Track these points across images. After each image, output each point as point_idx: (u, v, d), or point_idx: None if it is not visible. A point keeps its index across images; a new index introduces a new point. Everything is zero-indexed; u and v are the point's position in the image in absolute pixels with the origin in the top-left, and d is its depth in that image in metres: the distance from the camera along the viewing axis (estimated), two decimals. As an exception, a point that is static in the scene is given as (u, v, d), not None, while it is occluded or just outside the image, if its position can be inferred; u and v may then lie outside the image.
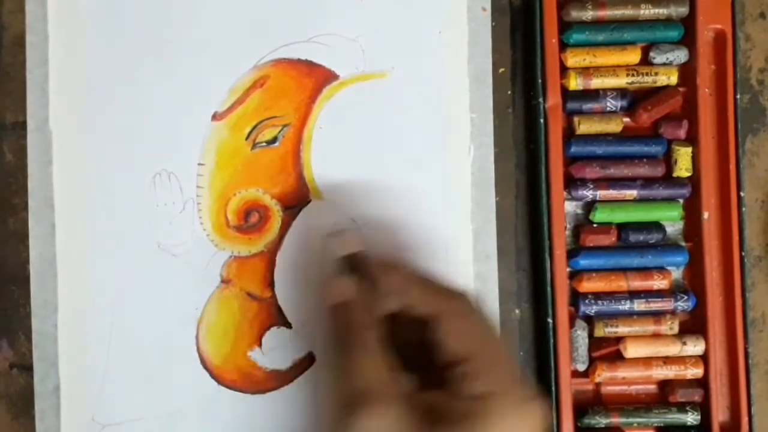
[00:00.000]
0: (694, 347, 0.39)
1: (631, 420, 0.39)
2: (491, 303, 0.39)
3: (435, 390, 0.30)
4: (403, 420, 0.28)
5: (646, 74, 0.40)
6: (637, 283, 0.40)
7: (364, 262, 0.34)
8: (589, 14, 0.40)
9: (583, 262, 0.40)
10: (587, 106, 0.40)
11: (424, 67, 0.40)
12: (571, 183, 0.40)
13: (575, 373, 0.40)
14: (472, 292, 0.33)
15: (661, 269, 0.40)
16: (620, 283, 0.40)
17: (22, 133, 0.40)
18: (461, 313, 0.32)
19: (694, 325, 0.40)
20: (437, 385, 0.30)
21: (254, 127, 0.39)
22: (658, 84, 0.40)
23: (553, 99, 0.39)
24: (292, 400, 0.39)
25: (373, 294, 0.33)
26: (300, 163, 0.40)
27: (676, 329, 0.40)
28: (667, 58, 0.40)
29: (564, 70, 0.40)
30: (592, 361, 0.40)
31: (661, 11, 0.40)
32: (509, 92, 0.41)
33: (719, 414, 0.39)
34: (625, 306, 0.40)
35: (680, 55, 0.40)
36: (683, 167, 0.40)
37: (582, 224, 0.41)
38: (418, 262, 0.39)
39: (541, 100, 0.39)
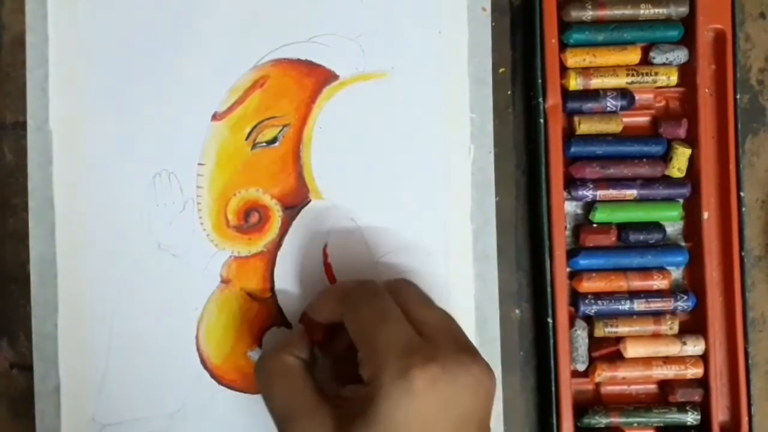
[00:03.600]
0: (694, 347, 0.39)
1: (631, 420, 0.39)
2: (491, 303, 0.39)
3: (352, 386, 0.34)
4: (325, 420, 0.31)
5: (646, 74, 0.40)
6: (637, 283, 0.40)
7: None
8: (588, 14, 0.40)
9: (583, 262, 0.40)
10: (587, 106, 0.40)
11: (424, 67, 0.40)
12: (571, 183, 0.40)
13: (575, 373, 0.40)
14: (397, 279, 0.36)
15: (661, 269, 0.40)
16: (620, 283, 0.40)
17: (22, 133, 0.40)
18: (358, 303, 0.33)
19: (694, 325, 0.40)
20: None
21: (254, 127, 0.39)
22: (658, 84, 0.40)
23: (553, 99, 0.39)
24: (292, 400, 0.39)
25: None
26: (300, 163, 0.40)
27: (676, 329, 0.40)
28: (667, 58, 0.40)
29: (564, 70, 0.40)
30: (592, 361, 0.40)
31: (661, 11, 0.40)
32: (509, 92, 0.41)
33: (719, 414, 0.39)
34: (625, 306, 0.40)
35: (680, 55, 0.40)
36: (676, 167, 0.40)
37: (582, 224, 0.41)
38: (417, 262, 0.39)
39: (541, 100, 0.39)
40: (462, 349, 0.31)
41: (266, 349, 0.36)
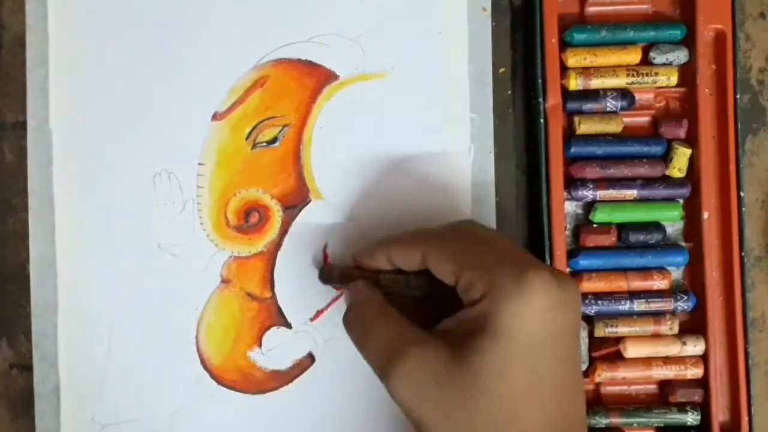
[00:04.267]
0: (694, 347, 0.39)
1: (631, 420, 0.39)
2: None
3: (450, 317, 0.32)
4: (432, 351, 0.30)
5: (646, 74, 0.40)
6: (637, 284, 0.40)
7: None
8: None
9: (583, 262, 0.40)
10: (587, 106, 0.40)
11: (424, 67, 0.40)
12: (571, 183, 0.40)
13: (575, 373, 0.40)
14: (460, 220, 0.36)
15: (661, 269, 0.40)
16: (620, 284, 0.40)
17: (22, 133, 0.40)
18: (440, 241, 0.33)
19: (694, 325, 0.40)
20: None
21: (254, 127, 0.39)
22: (659, 84, 0.40)
23: (553, 99, 0.39)
24: (292, 400, 0.39)
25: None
26: (300, 163, 0.40)
27: (676, 329, 0.40)
28: (667, 59, 0.40)
29: (564, 70, 0.40)
30: (592, 361, 0.40)
31: (662, 11, 0.40)
32: (509, 92, 0.41)
33: (719, 414, 0.39)
34: (625, 306, 0.40)
35: (680, 56, 0.40)
36: (677, 167, 0.40)
37: (582, 224, 0.41)
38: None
39: (541, 100, 0.39)
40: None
41: (354, 299, 0.36)
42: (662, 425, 0.39)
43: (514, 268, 0.30)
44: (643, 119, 0.41)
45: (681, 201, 0.40)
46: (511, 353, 0.29)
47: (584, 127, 0.40)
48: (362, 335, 0.33)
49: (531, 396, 0.29)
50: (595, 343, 0.40)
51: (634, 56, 0.40)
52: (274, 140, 0.40)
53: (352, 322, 0.35)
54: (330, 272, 0.37)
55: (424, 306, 0.35)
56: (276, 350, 0.39)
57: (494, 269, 0.30)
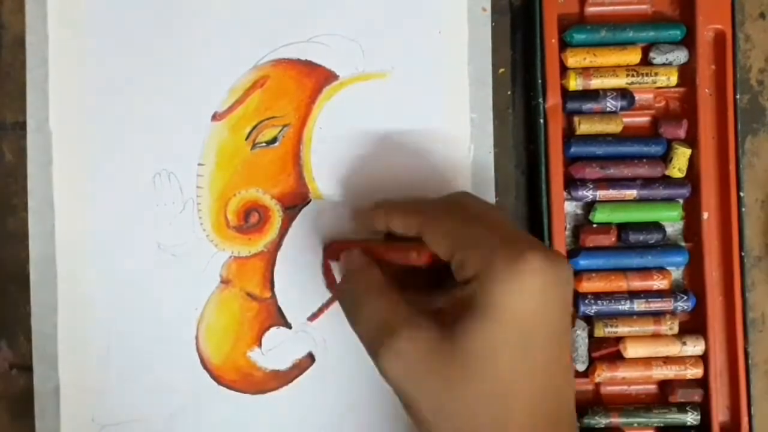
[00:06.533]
0: (694, 347, 0.39)
1: (631, 420, 0.39)
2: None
3: (444, 296, 0.33)
4: (423, 331, 0.30)
5: (646, 74, 0.40)
6: (637, 283, 0.40)
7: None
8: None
9: (583, 262, 0.40)
10: (587, 106, 0.40)
11: (424, 67, 0.40)
12: (571, 183, 0.40)
13: (575, 373, 0.40)
14: (455, 192, 0.36)
15: (661, 269, 0.40)
16: (620, 283, 0.40)
17: (22, 133, 0.40)
18: (437, 215, 0.33)
19: (694, 325, 0.40)
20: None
21: (254, 127, 0.39)
22: (658, 84, 0.40)
23: (553, 99, 0.39)
24: (292, 400, 0.39)
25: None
26: (300, 163, 0.40)
27: (676, 329, 0.40)
28: (667, 59, 0.40)
29: (564, 70, 0.40)
30: (592, 361, 0.40)
31: (662, 11, 0.40)
32: (509, 92, 0.41)
33: (719, 414, 0.39)
34: (625, 306, 0.40)
35: (680, 56, 0.40)
36: (677, 167, 0.40)
37: (582, 224, 0.41)
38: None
39: (541, 100, 0.39)
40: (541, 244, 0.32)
41: (348, 269, 0.36)
42: (662, 425, 0.39)
43: (507, 249, 0.30)
44: (643, 119, 0.41)
45: (681, 201, 0.40)
46: (501, 335, 0.29)
47: (584, 127, 0.40)
48: (353, 309, 0.33)
49: (520, 377, 0.29)
50: (595, 343, 0.40)
51: (633, 56, 0.40)
52: (273, 140, 0.40)
53: (343, 294, 0.35)
54: (334, 249, 0.38)
55: (423, 274, 0.35)
56: (276, 350, 0.39)
57: (487, 249, 0.30)
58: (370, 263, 0.35)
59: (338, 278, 0.39)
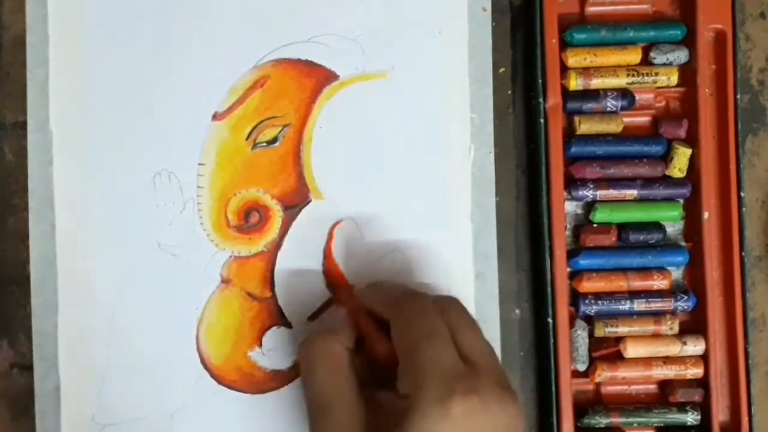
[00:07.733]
0: (694, 347, 0.39)
1: (631, 420, 0.39)
2: (491, 303, 0.39)
3: (389, 396, 0.33)
4: (362, 417, 0.32)
5: (647, 74, 0.40)
6: (637, 283, 0.40)
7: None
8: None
9: (583, 262, 0.40)
10: (587, 106, 0.40)
11: (424, 67, 0.40)
12: (571, 183, 0.40)
13: (575, 373, 0.40)
14: (439, 295, 0.35)
15: (661, 269, 0.40)
16: (620, 283, 0.40)
17: (22, 133, 0.40)
18: (405, 314, 0.33)
19: (694, 325, 0.40)
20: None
21: (254, 127, 0.39)
22: (659, 84, 0.40)
23: (553, 99, 0.39)
24: (292, 400, 0.39)
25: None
26: (300, 163, 0.40)
27: (676, 329, 0.40)
28: (668, 59, 0.40)
29: (564, 70, 0.40)
30: (592, 361, 0.40)
31: (662, 11, 0.40)
32: (509, 92, 0.41)
33: (719, 414, 0.39)
34: (625, 306, 0.40)
35: (680, 56, 0.40)
36: (677, 167, 0.40)
37: (582, 224, 0.41)
38: (417, 261, 0.39)
39: (541, 100, 0.39)
40: (502, 386, 0.31)
41: (312, 332, 0.36)
42: (662, 425, 0.39)
43: (443, 388, 0.29)
44: (643, 119, 0.41)
45: (681, 201, 0.40)
46: None
47: (584, 127, 0.40)
48: (306, 370, 0.34)
49: None
50: (595, 342, 0.40)
51: (634, 56, 0.40)
52: (274, 140, 0.40)
53: (301, 351, 0.35)
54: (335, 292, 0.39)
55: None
56: (276, 350, 0.39)
57: (427, 376, 0.30)
58: (337, 330, 0.35)
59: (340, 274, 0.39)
